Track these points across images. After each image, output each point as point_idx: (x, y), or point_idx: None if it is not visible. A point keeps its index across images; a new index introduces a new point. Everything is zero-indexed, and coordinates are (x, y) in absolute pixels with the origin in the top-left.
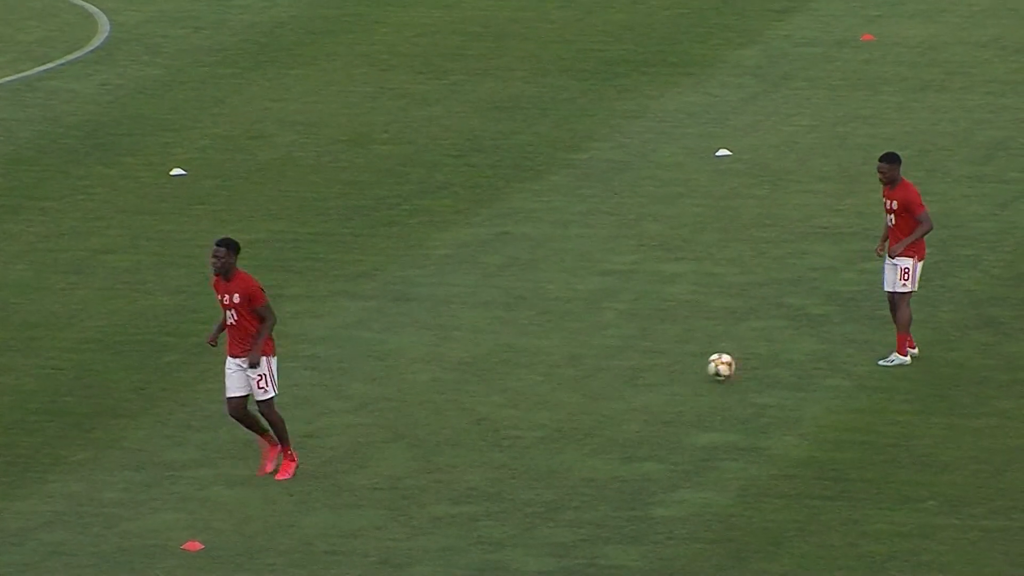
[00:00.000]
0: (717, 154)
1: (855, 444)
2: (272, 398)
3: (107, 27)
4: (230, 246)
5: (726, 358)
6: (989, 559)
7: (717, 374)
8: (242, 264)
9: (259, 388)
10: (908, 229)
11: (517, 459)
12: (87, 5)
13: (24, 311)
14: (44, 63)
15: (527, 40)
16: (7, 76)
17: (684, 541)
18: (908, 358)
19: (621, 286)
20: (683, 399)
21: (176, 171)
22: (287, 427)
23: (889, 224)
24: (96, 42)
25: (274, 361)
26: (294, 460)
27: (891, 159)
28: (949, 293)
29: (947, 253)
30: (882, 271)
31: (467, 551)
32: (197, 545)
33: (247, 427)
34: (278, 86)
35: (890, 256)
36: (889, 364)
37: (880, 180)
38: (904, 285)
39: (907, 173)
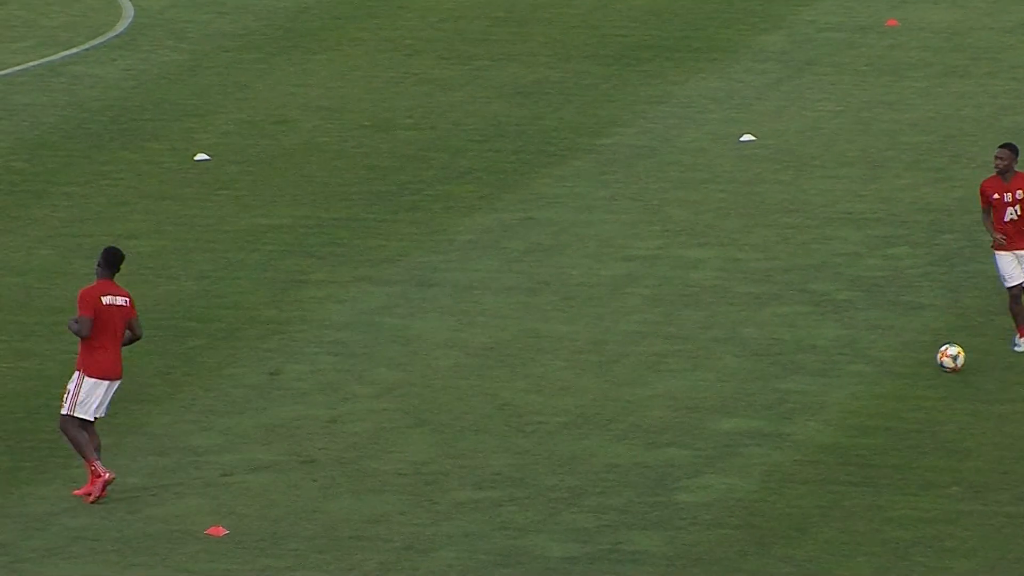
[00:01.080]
0: (741, 139)
1: (879, 430)
2: (65, 415)
3: (131, 12)
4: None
5: (952, 351)
6: (1014, 545)
7: (941, 366)
8: (262, 250)
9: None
10: None
11: (540, 445)
12: None
13: (48, 296)
14: (68, 48)
15: (550, 25)
16: (31, 61)
17: (707, 527)
18: None
19: (645, 272)
20: (706, 385)
21: (200, 156)
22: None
23: (1014, 217)
24: (120, 27)
25: (86, 380)
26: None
27: (1013, 148)
28: (973, 279)
29: (971, 239)
30: (996, 264)
31: (490, 536)
32: (221, 530)
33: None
34: (302, 71)
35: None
36: (1020, 350)
37: (996, 168)
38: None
39: (929, 159)
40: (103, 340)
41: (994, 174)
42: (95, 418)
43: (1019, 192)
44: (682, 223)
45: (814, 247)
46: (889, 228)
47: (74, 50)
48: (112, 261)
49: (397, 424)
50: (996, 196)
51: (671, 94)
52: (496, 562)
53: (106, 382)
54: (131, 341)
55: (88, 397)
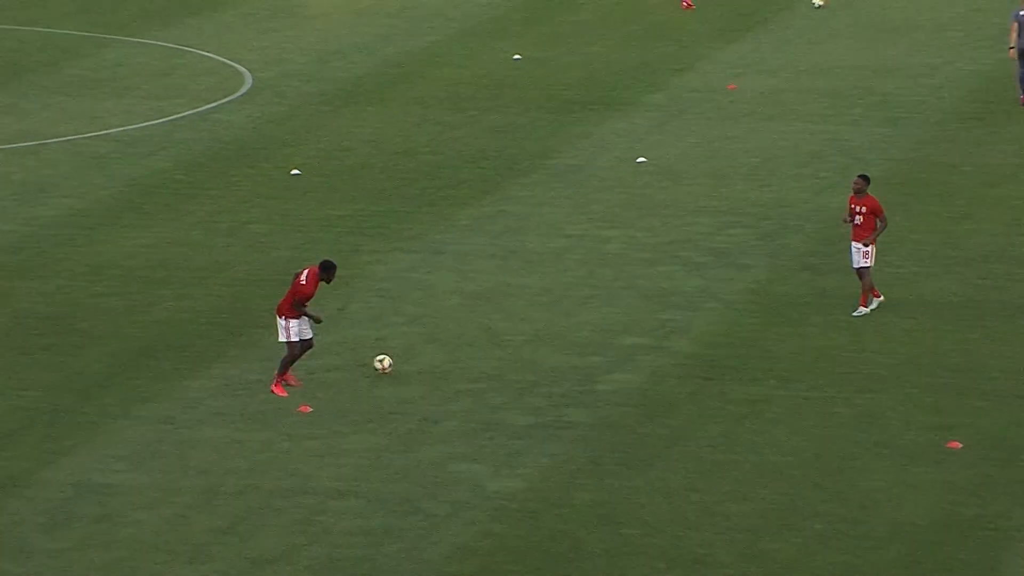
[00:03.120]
0: (638, 161)
1: (724, 344)
2: (294, 341)
3: (250, 79)
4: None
5: (382, 359)
6: (808, 417)
7: (375, 369)
8: (334, 231)
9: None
10: (870, 226)
11: (510, 354)
12: (237, 65)
13: (198, 259)
14: (210, 103)
15: (517, 88)
16: (188, 111)
17: (615, 405)
18: (868, 308)
19: (576, 245)
20: (615, 316)
21: (295, 171)
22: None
23: (856, 223)
24: (243, 89)
25: (291, 321)
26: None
27: (866, 179)
28: (783, 250)
29: (783, 224)
30: (849, 252)
31: (478, 412)
32: (307, 408)
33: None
34: (358, 118)
35: (864, 244)
36: (859, 315)
37: (853, 190)
38: (867, 262)
39: (756, 173)
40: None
41: (852, 193)
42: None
43: (863, 207)
44: (599, 214)
45: (683, 229)
46: (730, 217)
47: (213, 104)
48: (326, 268)
49: (418, 341)
50: (852, 206)
51: (592, 132)
52: (482, 428)
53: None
54: (296, 308)
55: (301, 327)
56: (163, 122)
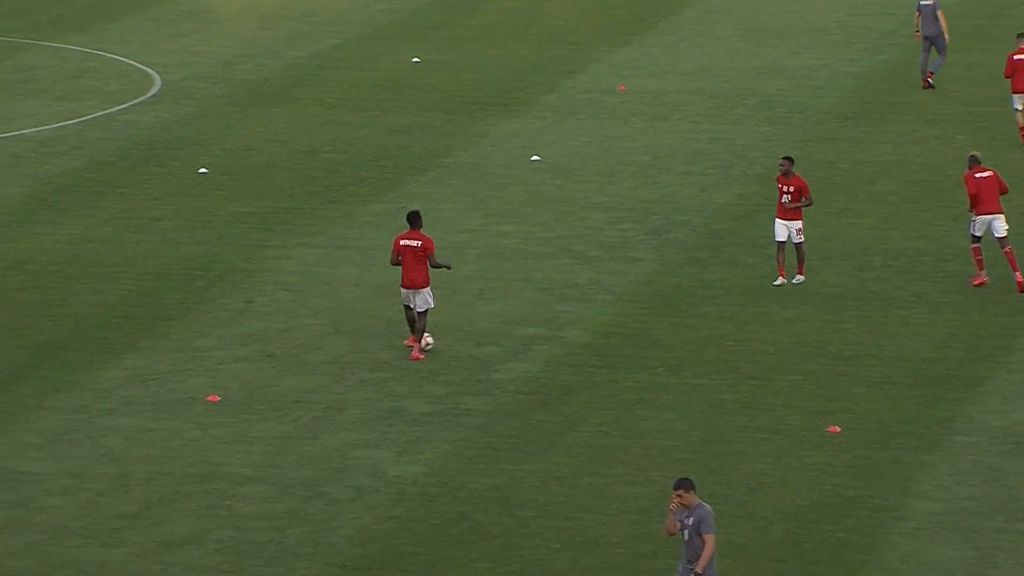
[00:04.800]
0: (532, 159)
1: (615, 334)
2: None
3: (159, 82)
4: None
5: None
6: (696, 404)
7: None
8: (241, 227)
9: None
10: (799, 203)
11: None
12: (147, 68)
13: (110, 255)
14: (120, 104)
15: (416, 90)
16: (99, 112)
17: (512, 393)
18: (804, 277)
19: (474, 239)
20: (512, 307)
21: (202, 170)
22: None
23: (784, 201)
24: (152, 91)
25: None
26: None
27: (791, 160)
28: (671, 244)
29: (670, 219)
30: (773, 228)
31: (380, 400)
32: (215, 398)
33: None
34: (264, 118)
35: (793, 221)
36: (797, 283)
37: (781, 171)
38: (800, 237)
39: (643, 170)
40: (404, 265)
41: (780, 173)
42: (408, 307)
43: (790, 187)
44: (496, 209)
45: (576, 224)
46: (620, 212)
47: (124, 105)
48: (411, 219)
49: (323, 332)
50: (780, 187)
51: (489, 132)
52: (384, 416)
53: (403, 289)
54: (436, 267)
55: (402, 297)
56: (76, 123)
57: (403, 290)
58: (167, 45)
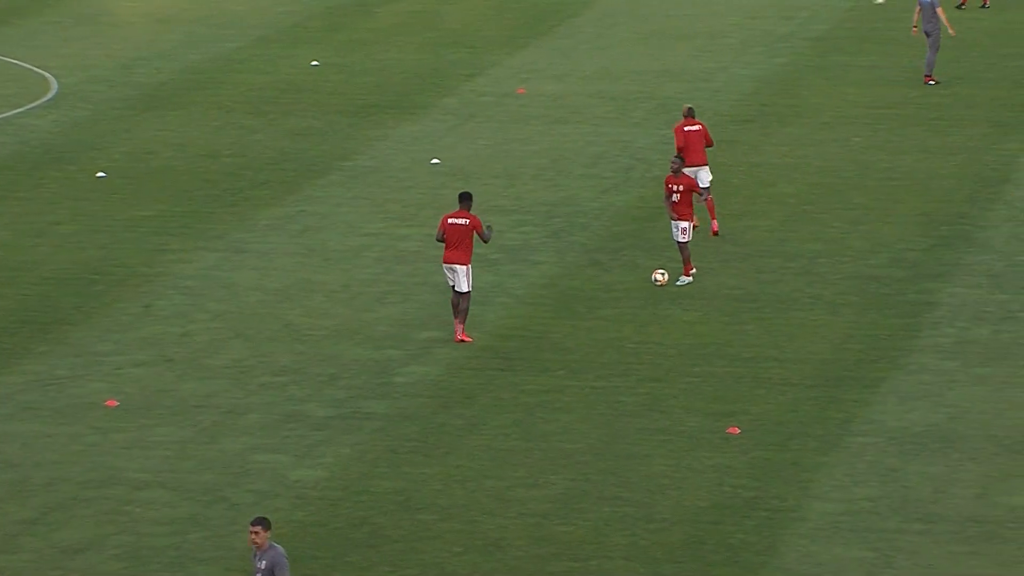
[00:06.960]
0: (432, 162)
1: (515, 337)
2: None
3: (55, 85)
4: None
5: (661, 273)
6: (597, 406)
7: (654, 281)
8: (140, 231)
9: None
10: (688, 203)
11: (311, 348)
12: (43, 72)
13: (7, 259)
14: (16, 108)
15: (315, 93)
16: None
17: (412, 396)
18: (691, 278)
19: (373, 243)
20: (412, 311)
21: (100, 174)
22: None
23: (675, 200)
24: (49, 95)
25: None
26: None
27: (683, 159)
28: (571, 246)
29: (570, 222)
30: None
31: (281, 404)
32: (114, 402)
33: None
34: (162, 122)
35: (681, 220)
36: (682, 283)
37: (671, 170)
38: (685, 237)
39: (544, 173)
40: (448, 243)
41: (670, 172)
42: (452, 289)
43: (680, 186)
44: (396, 213)
45: None
46: (521, 215)
47: (20, 109)
48: (462, 198)
49: (223, 336)
50: (670, 185)
51: (388, 135)
52: (282, 420)
53: (445, 265)
54: (486, 240)
55: (445, 276)
56: None
57: (444, 266)
58: (64, 48)
